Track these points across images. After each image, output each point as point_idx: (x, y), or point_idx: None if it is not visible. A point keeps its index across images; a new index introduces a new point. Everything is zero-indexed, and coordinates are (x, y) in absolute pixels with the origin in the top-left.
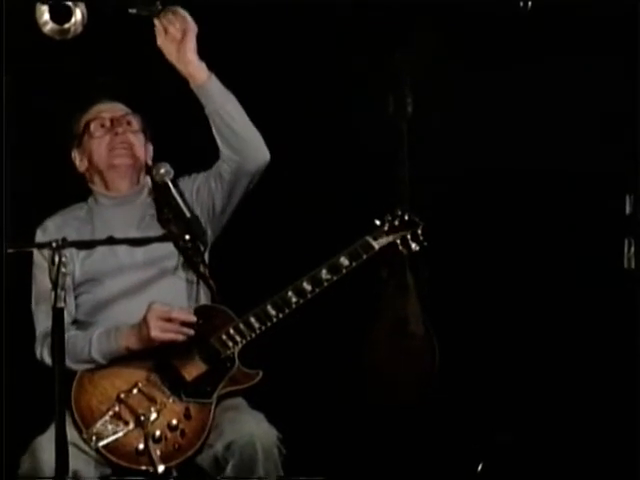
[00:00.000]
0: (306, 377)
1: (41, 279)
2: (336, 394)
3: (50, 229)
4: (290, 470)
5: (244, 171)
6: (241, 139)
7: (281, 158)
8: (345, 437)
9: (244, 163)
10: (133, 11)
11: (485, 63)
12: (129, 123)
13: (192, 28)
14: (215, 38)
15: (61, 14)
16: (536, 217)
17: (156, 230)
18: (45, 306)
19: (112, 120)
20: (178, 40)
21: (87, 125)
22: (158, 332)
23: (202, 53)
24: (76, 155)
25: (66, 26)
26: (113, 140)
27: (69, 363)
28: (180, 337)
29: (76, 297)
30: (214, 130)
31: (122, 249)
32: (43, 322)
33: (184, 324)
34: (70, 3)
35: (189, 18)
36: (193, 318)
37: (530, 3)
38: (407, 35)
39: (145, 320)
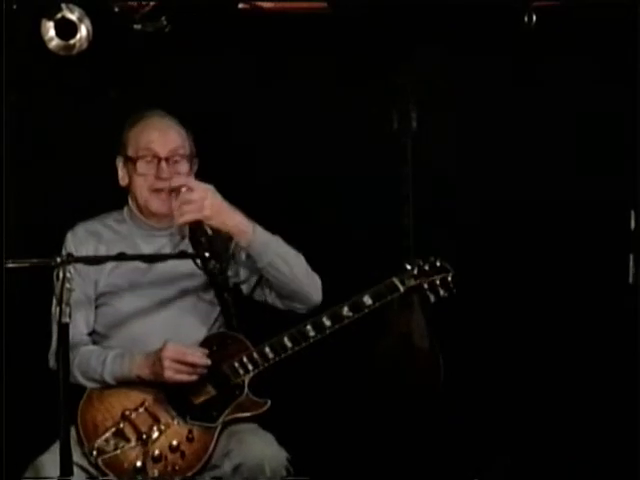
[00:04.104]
0: (311, 392)
1: None
2: (342, 409)
3: (80, 234)
4: None
5: (289, 306)
6: (291, 289)
7: (285, 174)
8: (352, 451)
9: (291, 305)
10: (138, 27)
11: (489, 76)
12: (177, 161)
13: (208, 217)
14: (217, 53)
15: (66, 30)
16: (540, 232)
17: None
18: None
19: (159, 160)
20: (210, 215)
21: (135, 158)
22: (171, 373)
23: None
24: (120, 167)
25: (71, 42)
26: (155, 183)
27: (80, 379)
28: (193, 378)
29: (96, 307)
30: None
31: (148, 266)
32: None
33: (198, 365)
34: (75, 19)
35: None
36: (208, 361)
37: (535, 17)
38: (411, 50)
39: (159, 359)
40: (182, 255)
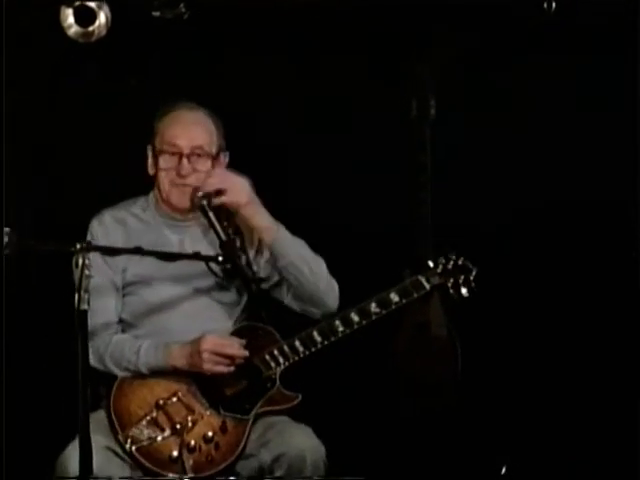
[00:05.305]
0: (331, 385)
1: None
2: (362, 401)
3: (107, 222)
4: None
5: (304, 310)
6: (309, 292)
7: (301, 164)
8: (371, 444)
9: (307, 308)
10: (157, 14)
11: (508, 65)
12: (199, 156)
13: (241, 203)
14: (236, 44)
15: (85, 17)
16: (553, 228)
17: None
18: (93, 304)
19: (181, 156)
20: (246, 201)
21: (159, 151)
22: (210, 365)
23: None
24: (149, 155)
25: (90, 29)
26: (176, 179)
27: (113, 367)
28: (231, 370)
29: (124, 296)
30: (286, 279)
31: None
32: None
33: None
34: (94, 6)
35: (235, 194)
36: (245, 353)
37: (554, 4)
38: (430, 38)
39: (198, 352)
40: (196, 257)
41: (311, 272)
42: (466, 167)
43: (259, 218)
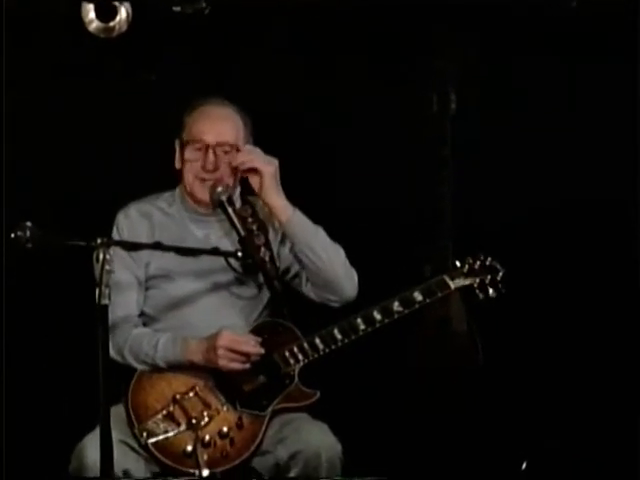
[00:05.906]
0: (354, 381)
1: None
2: (380, 398)
3: (132, 216)
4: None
5: (322, 298)
6: (326, 278)
7: (321, 161)
8: (393, 440)
9: (324, 296)
10: (177, 9)
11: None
12: (226, 152)
13: (269, 171)
14: (255, 35)
15: (106, 12)
16: (554, 231)
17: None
18: (115, 297)
19: (207, 147)
20: (266, 173)
21: (186, 144)
22: (226, 362)
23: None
24: (177, 149)
25: (111, 24)
26: (200, 173)
27: (132, 361)
28: (246, 366)
29: (146, 290)
30: (303, 264)
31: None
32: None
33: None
34: (115, 1)
35: (265, 160)
36: (261, 350)
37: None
38: (452, 33)
39: (214, 348)
40: (214, 252)
41: (328, 257)
42: (486, 161)
43: (277, 197)
